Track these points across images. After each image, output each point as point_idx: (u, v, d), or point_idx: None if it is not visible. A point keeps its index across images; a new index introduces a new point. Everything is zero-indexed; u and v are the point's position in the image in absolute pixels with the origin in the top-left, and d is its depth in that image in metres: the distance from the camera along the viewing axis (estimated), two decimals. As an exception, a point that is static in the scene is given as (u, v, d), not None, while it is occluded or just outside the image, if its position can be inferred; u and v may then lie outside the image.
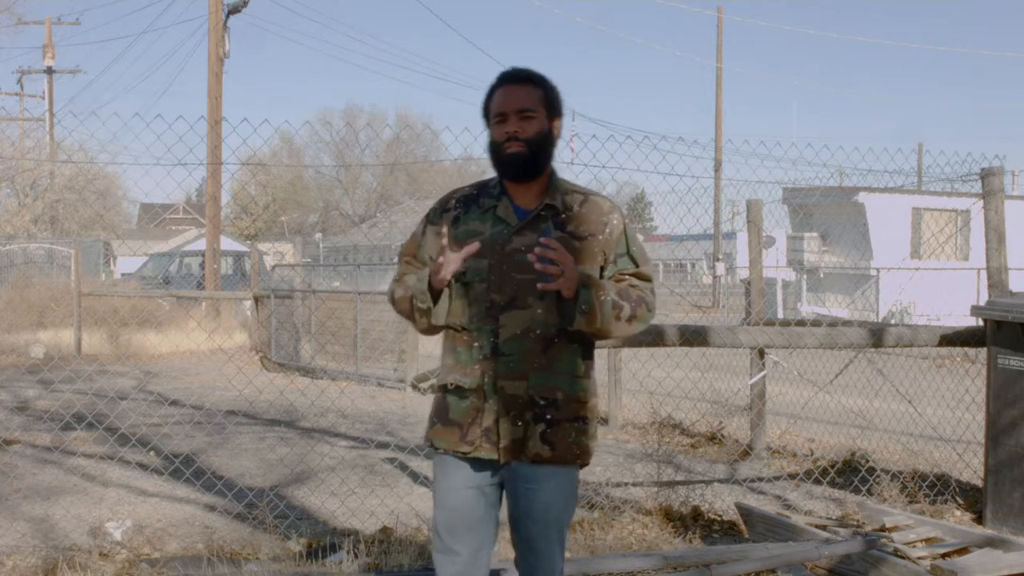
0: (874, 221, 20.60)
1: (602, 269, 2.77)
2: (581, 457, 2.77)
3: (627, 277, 2.78)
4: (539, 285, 2.60)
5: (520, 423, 2.69)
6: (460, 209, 2.81)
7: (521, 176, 2.74)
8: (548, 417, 2.69)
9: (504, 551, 4.04)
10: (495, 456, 2.71)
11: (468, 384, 2.72)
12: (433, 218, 2.84)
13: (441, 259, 2.63)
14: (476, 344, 2.71)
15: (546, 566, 2.79)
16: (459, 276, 2.70)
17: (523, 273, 2.66)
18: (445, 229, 2.65)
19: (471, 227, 2.76)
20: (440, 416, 2.79)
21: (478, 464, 2.74)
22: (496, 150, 2.74)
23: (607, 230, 2.77)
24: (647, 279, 2.82)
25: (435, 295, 2.70)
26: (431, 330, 2.79)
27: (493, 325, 2.69)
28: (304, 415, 8.99)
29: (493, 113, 2.76)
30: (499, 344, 2.68)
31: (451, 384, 2.76)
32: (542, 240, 2.59)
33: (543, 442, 2.69)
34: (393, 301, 2.86)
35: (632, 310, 2.71)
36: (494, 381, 2.69)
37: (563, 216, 2.75)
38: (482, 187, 2.85)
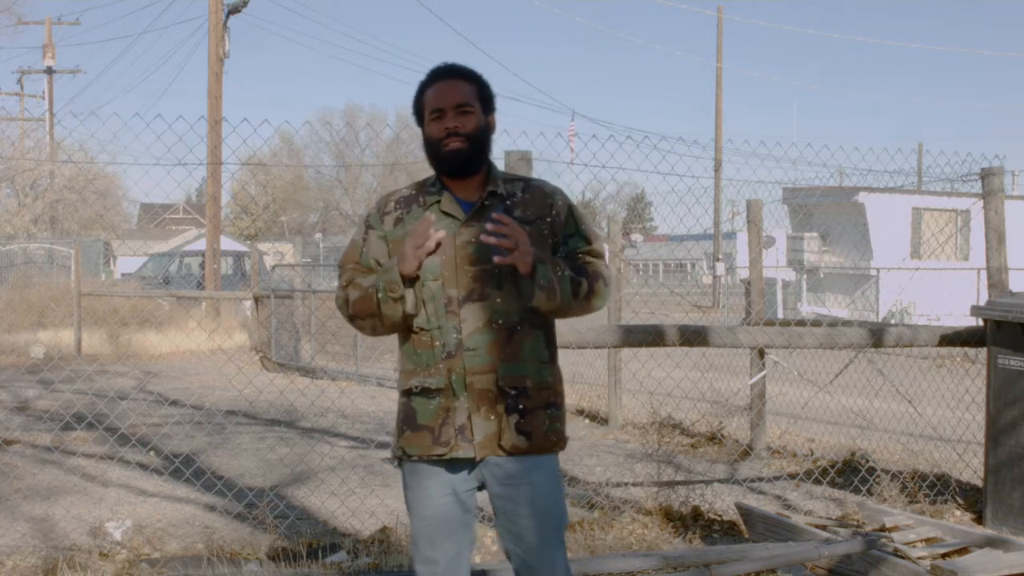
0: (874, 221, 20.60)
1: (554, 251, 2.75)
2: (558, 443, 2.76)
3: (580, 256, 2.77)
4: (495, 259, 2.59)
5: (493, 416, 2.66)
6: (402, 210, 2.78)
7: (463, 172, 2.72)
8: (520, 407, 2.67)
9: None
10: (472, 454, 2.66)
11: (435, 384, 2.67)
12: (374, 223, 2.80)
13: (418, 237, 2.60)
14: (438, 343, 2.67)
15: (544, 563, 2.73)
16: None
17: (477, 264, 2.65)
18: (431, 216, 2.64)
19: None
20: (408, 423, 2.73)
21: (453, 467, 2.69)
22: (435, 147, 2.72)
23: (553, 211, 2.77)
24: (600, 255, 2.81)
25: (406, 281, 2.64)
26: (398, 326, 2.71)
27: (455, 321, 2.65)
28: (304, 415, 8.99)
29: (429, 109, 2.73)
30: (463, 339, 2.65)
31: (416, 387, 2.71)
32: (493, 215, 2.60)
33: (519, 433, 2.66)
34: (347, 306, 2.75)
35: (590, 286, 2.71)
36: (463, 378, 2.65)
37: (508, 203, 2.74)
38: (420, 186, 2.82)
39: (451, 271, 2.66)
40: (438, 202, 2.73)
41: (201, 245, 26.52)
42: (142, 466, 6.63)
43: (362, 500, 5.62)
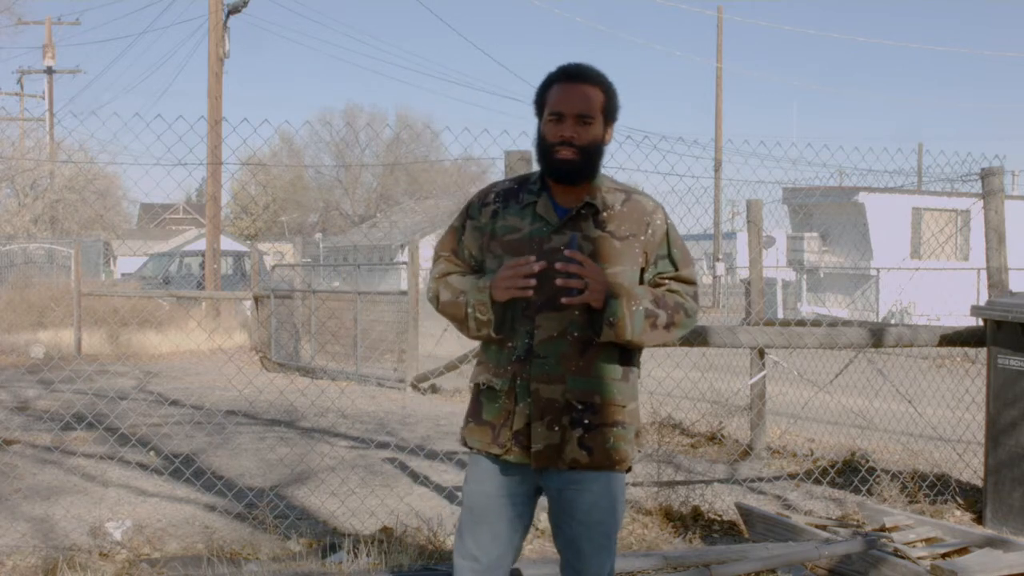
0: (874, 221, 20.61)
1: (643, 271, 2.67)
2: (620, 463, 2.68)
3: (666, 281, 2.69)
4: (563, 300, 2.53)
5: (557, 428, 2.60)
6: (499, 204, 2.71)
7: (569, 181, 2.63)
8: (586, 422, 2.61)
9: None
10: (526, 461, 2.62)
11: (499, 386, 2.64)
12: (473, 213, 2.74)
13: (515, 279, 2.52)
14: (510, 344, 2.63)
15: (592, 571, 2.70)
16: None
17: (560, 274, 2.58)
18: (536, 263, 2.54)
19: (509, 223, 2.67)
20: (474, 415, 2.72)
21: (510, 469, 2.67)
22: (546, 149, 2.63)
23: (649, 231, 2.67)
24: (689, 282, 2.72)
25: (496, 308, 2.59)
26: (484, 338, 2.68)
27: (529, 326, 2.60)
28: (304, 415, 8.99)
29: (549, 109, 2.63)
30: (534, 346, 2.60)
31: (483, 384, 2.69)
32: (566, 252, 2.52)
33: (580, 447, 2.60)
34: (438, 302, 2.73)
35: (669, 317, 2.62)
36: (527, 384, 2.60)
37: (603, 215, 2.64)
38: (523, 181, 2.75)
39: (534, 276, 2.55)
40: (535, 203, 2.67)
41: (201, 245, 26.53)
42: (142, 466, 6.63)
43: (362, 500, 5.62)
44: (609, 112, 2.67)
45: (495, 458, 2.67)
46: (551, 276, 2.54)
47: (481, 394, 2.70)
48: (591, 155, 2.63)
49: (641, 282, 2.68)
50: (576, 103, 2.60)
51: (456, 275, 2.72)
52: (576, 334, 2.60)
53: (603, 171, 2.74)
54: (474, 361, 2.76)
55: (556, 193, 2.67)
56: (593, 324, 2.58)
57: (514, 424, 2.63)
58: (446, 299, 2.70)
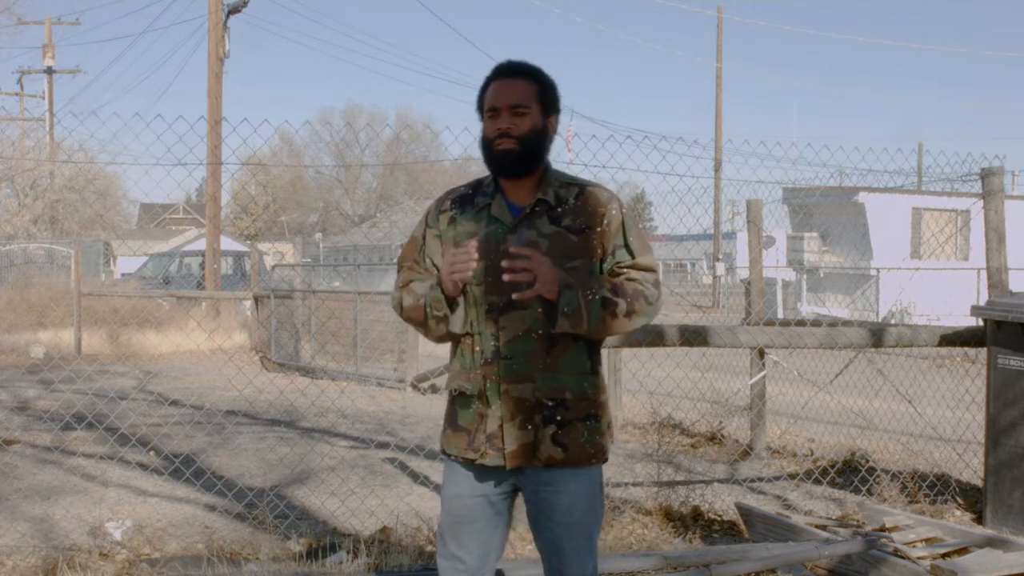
0: (874, 221, 20.61)
1: (601, 262, 2.68)
2: (596, 456, 2.69)
3: (625, 270, 2.68)
4: (514, 295, 2.55)
5: (529, 427, 2.61)
6: (456, 209, 2.74)
7: (512, 173, 2.67)
8: (558, 418, 2.62)
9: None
10: (501, 463, 2.63)
11: (470, 390, 2.66)
12: (431, 221, 2.78)
13: (455, 264, 2.56)
14: (478, 348, 2.65)
15: (574, 570, 2.71)
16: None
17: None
18: (474, 243, 2.59)
19: (467, 227, 2.69)
20: (450, 422, 2.74)
21: (486, 472, 2.68)
22: (487, 146, 2.67)
23: (604, 221, 2.67)
24: (648, 269, 2.70)
25: (450, 302, 2.63)
26: (447, 338, 2.71)
27: (493, 328, 2.62)
28: (304, 415, 8.99)
29: (486, 107, 2.68)
30: (500, 347, 2.61)
31: (455, 390, 2.71)
32: (511, 250, 2.55)
33: (555, 444, 2.61)
34: (401, 310, 2.76)
35: (629, 305, 2.61)
36: (497, 385, 2.62)
37: (558, 210, 2.67)
38: (477, 185, 2.78)
39: (494, 277, 2.58)
40: (489, 205, 2.70)
41: (201, 245, 26.51)
42: (142, 466, 6.63)
43: (362, 500, 5.62)
44: (546, 102, 2.70)
45: (471, 463, 2.68)
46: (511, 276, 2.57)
47: (455, 401, 2.72)
48: (531, 144, 2.64)
49: (601, 273, 2.69)
50: (508, 95, 2.65)
51: (418, 281, 2.75)
52: (541, 331, 2.61)
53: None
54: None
55: (510, 193, 2.70)
56: (549, 316, 2.59)
57: (487, 427, 2.64)
58: (408, 304, 2.72)
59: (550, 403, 2.62)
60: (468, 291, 2.65)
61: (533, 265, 2.53)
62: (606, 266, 2.69)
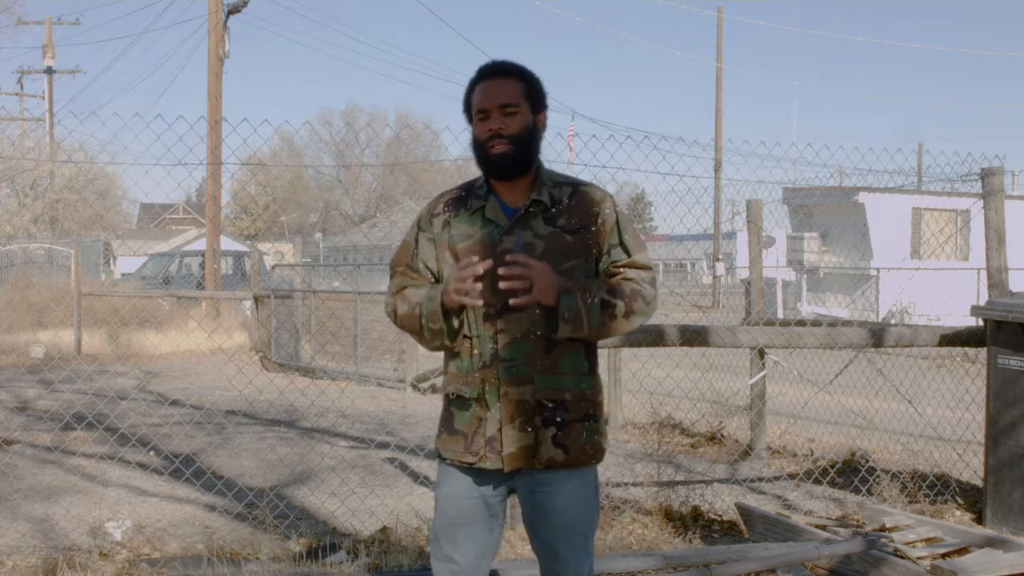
0: (874, 221, 20.61)
1: (597, 262, 2.67)
2: (595, 456, 2.69)
3: (621, 269, 2.66)
4: (511, 301, 2.53)
5: (530, 429, 2.59)
6: (449, 212, 2.72)
7: (507, 175, 2.65)
8: (558, 420, 2.60)
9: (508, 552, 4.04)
10: (500, 466, 2.62)
11: (468, 393, 2.64)
12: (424, 225, 2.76)
13: (462, 286, 2.52)
14: (476, 351, 2.63)
15: (570, 572, 2.70)
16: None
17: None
18: (481, 263, 2.53)
19: (462, 230, 2.67)
20: (446, 426, 2.72)
21: (483, 475, 2.66)
22: (480, 149, 2.65)
23: (599, 220, 2.66)
24: (643, 268, 2.69)
25: (448, 315, 2.60)
26: (442, 348, 2.70)
27: (491, 331, 2.61)
28: (304, 415, 8.99)
29: (475, 110, 2.66)
30: (499, 350, 2.60)
31: (452, 394, 2.69)
32: (507, 257, 2.52)
33: (556, 446, 2.60)
34: (395, 317, 2.74)
35: (627, 305, 2.60)
36: (496, 388, 2.60)
37: (553, 210, 2.65)
38: (469, 188, 2.76)
39: (490, 279, 2.54)
40: (483, 207, 2.68)
41: (201, 245, 26.54)
42: (142, 466, 6.63)
43: (362, 500, 5.62)
44: (534, 99, 2.69)
45: (468, 467, 2.67)
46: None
47: (452, 404, 2.70)
48: (524, 143, 2.63)
49: (596, 273, 2.68)
50: (497, 96, 2.63)
51: (412, 288, 2.73)
52: (539, 333, 2.60)
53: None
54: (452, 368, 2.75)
55: (503, 194, 2.69)
56: (550, 322, 2.58)
57: (486, 431, 2.62)
58: (403, 312, 2.71)
59: (550, 404, 2.61)
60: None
61: (530, 272, 2.51)
62: (602, 265, 2.68)
